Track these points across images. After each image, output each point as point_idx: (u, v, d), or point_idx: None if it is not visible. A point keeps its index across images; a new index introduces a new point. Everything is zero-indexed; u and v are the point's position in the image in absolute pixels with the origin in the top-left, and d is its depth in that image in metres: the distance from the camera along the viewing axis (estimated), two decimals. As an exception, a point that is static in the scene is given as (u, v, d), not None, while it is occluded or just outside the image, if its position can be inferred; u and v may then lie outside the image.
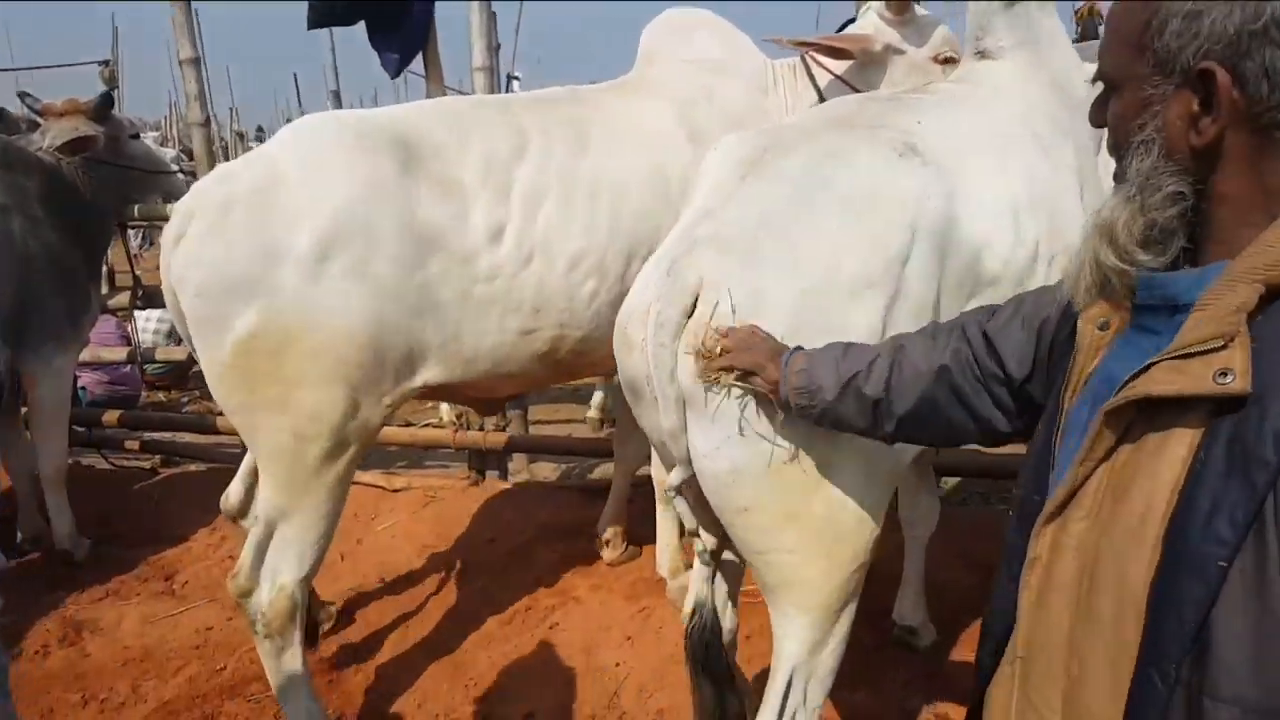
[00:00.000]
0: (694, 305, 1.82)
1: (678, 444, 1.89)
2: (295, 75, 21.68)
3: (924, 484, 3.17)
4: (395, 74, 4.16)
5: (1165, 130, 1.05)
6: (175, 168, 6.20)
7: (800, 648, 1.94)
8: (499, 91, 4.87)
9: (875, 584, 3.28)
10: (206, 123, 5.00)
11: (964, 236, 2.03)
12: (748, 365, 1.72)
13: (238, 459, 5.00)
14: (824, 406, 1.63)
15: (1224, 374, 0.94)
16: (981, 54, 2.63)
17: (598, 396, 6.31)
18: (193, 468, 5.23)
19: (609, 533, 3.74)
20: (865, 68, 3.13)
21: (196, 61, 4.84)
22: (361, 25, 4.14)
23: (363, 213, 2.45)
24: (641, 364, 1.91)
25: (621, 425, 3.32)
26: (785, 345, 1.72)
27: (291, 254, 2.39)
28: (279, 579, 2.60)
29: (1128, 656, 1.00)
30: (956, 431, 1.55)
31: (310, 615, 3.24)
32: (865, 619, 3.24)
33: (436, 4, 4.12)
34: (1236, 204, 1.04)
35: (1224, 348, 0.96)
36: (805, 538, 1.88)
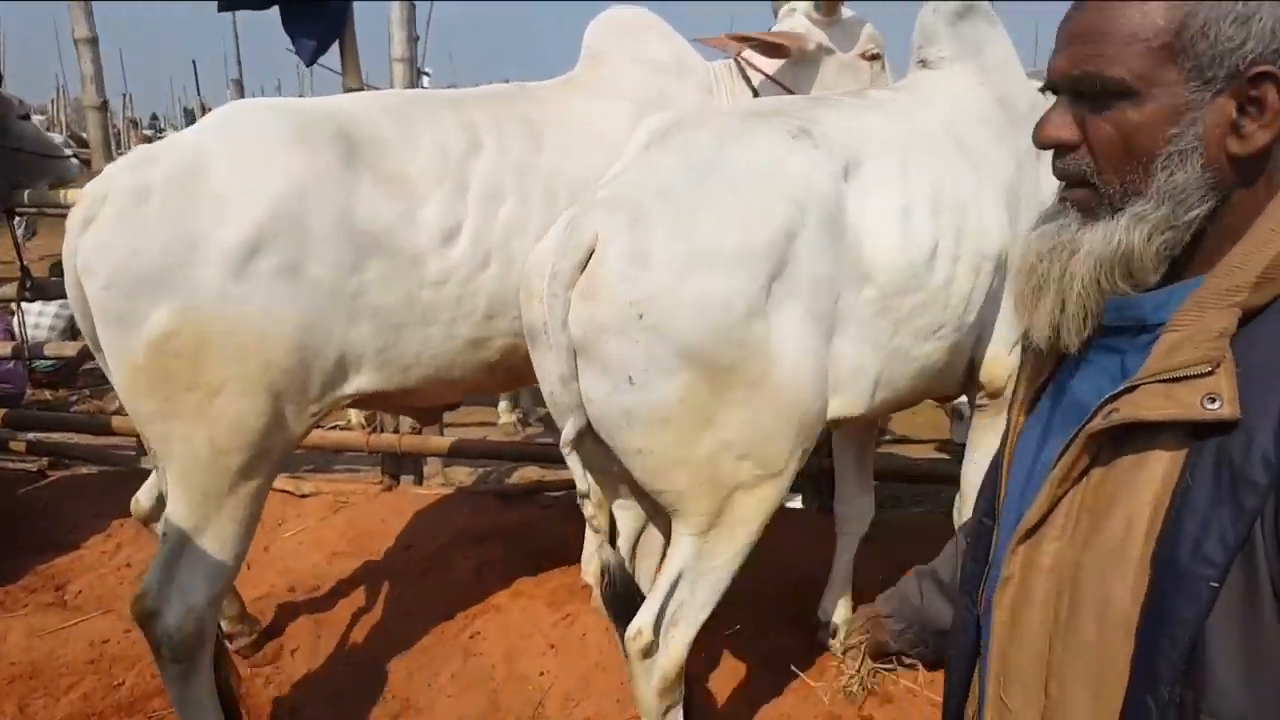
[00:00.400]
0: (587, 259, 1.98)
1: (569, 390, 2.05)
2: (194, 62, 20.89)
3: (861, 482, 3.21)
4: (310, 61, 4.00)
5: (1208, 139, 0.99)
6: (68, 152, 5.90)
7: (690, 555, 2.17)
8: (417, 85, 4.73)
9: (804, 596, 3.33)
10: (103, 106, 4.75)
11: (853, 222, 2.19)
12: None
13: (132, 461, 4.81)
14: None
15: (1212, 399, 0.94)
16: (924, 63, 2.75)
17: (503, 403, 6.24)
18: (85, 470, 4.95)
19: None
20: (798, 67, 3.15)
21: (94, 41, 4.59)
22: (273, 10, 3.99)
23: (298, 208, 2.29)
24: (540, 313, 2.06)
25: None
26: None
27: (215, 249, 2.22)
28: (189, 600, 2.40)
29: (1115, 677, 1.00)
30: None
31: (229, 627, 3.12)
32: (796, 627, 3.27)
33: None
34: (1245, 216, 1.02)
35: (1210, 373, 0.96)
36: (691, 478, 2.08)
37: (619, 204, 2.04)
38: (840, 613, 3.18)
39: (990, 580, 1.20)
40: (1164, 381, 0.98)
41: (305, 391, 2.40)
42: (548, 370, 2.09)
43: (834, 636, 3.17)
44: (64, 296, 5.33)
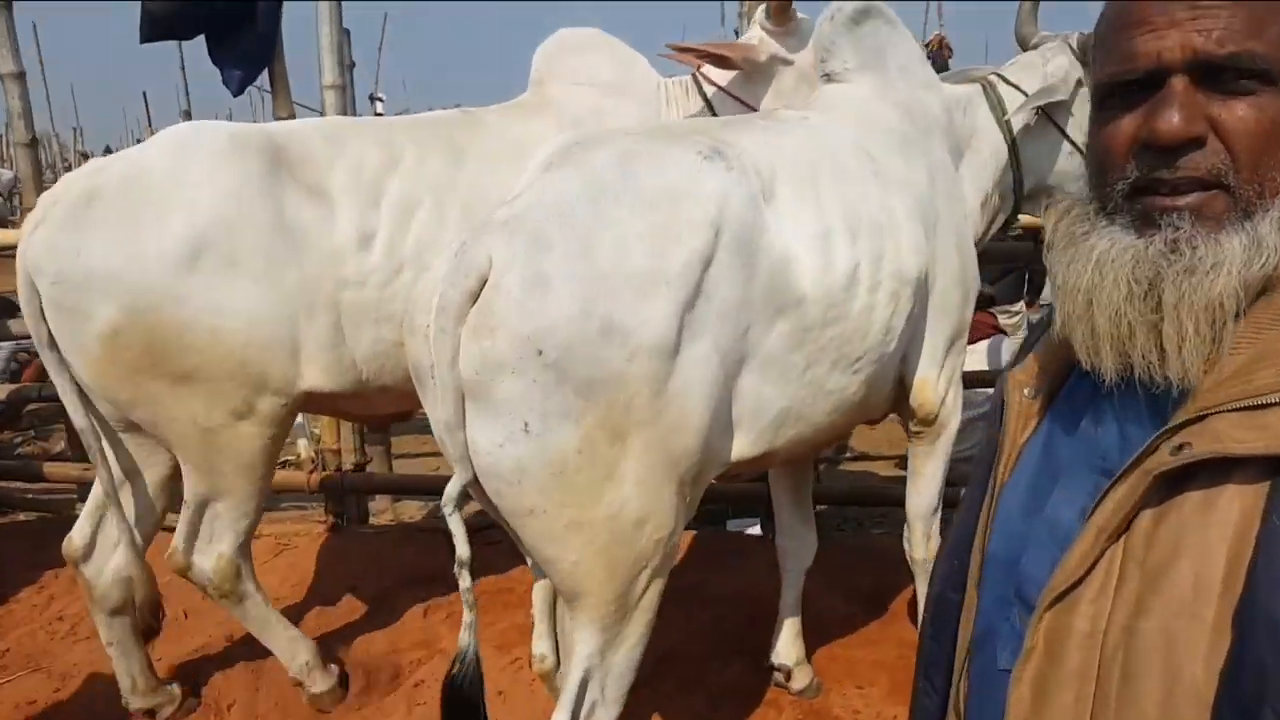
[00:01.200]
0: (479, 289, 1.75)
1: (455, 439, 1.80)
2: (145, 94, 20.64)
3: (800, 514, 3.09)
4: (238, 91, 3.89)
5: None
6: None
7: (591, 649, 1.95)
8: (352, 112, 4.63)
9: (761, 627, 3.25)
10: (33, 143, 4.62)
11: (769, 246, 2.02)
12: None
13: (69, 506, 4.64)
14: None
15: None
16: (828, 77, 2.64)
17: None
18: (21, 517, 4.78)
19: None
20: (751, 79, 3.07)
21: (21, 76, 4.45)
22: (203, 40, 3.88)
23: (234, 208, 2.45)
24: (425, 350, 1.82)
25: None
26: None
27: (159, 249, 2.37)
28: (218, 548, 2.72)
29: None
30: None
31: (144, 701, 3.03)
32: (748, 660, 3.18)
33: (284, 20, 3.90)
34: None
35: None
36: (587, 545, 1.86)
37: (516, 227, 1.80)
38: (793, 654, 3.07)
39: (979, 657, 1.06)
40: (1246, 409, 0.85)
41: (266, 380, 2.55)
42: (433, 415, 1.86)
43: (788, 679, 3.06)
44: (7, 337, 5.22)
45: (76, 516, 4.39)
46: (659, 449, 1.84)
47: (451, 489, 1.84)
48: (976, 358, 4.82)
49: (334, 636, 3.45)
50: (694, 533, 4.31)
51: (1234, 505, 0.84)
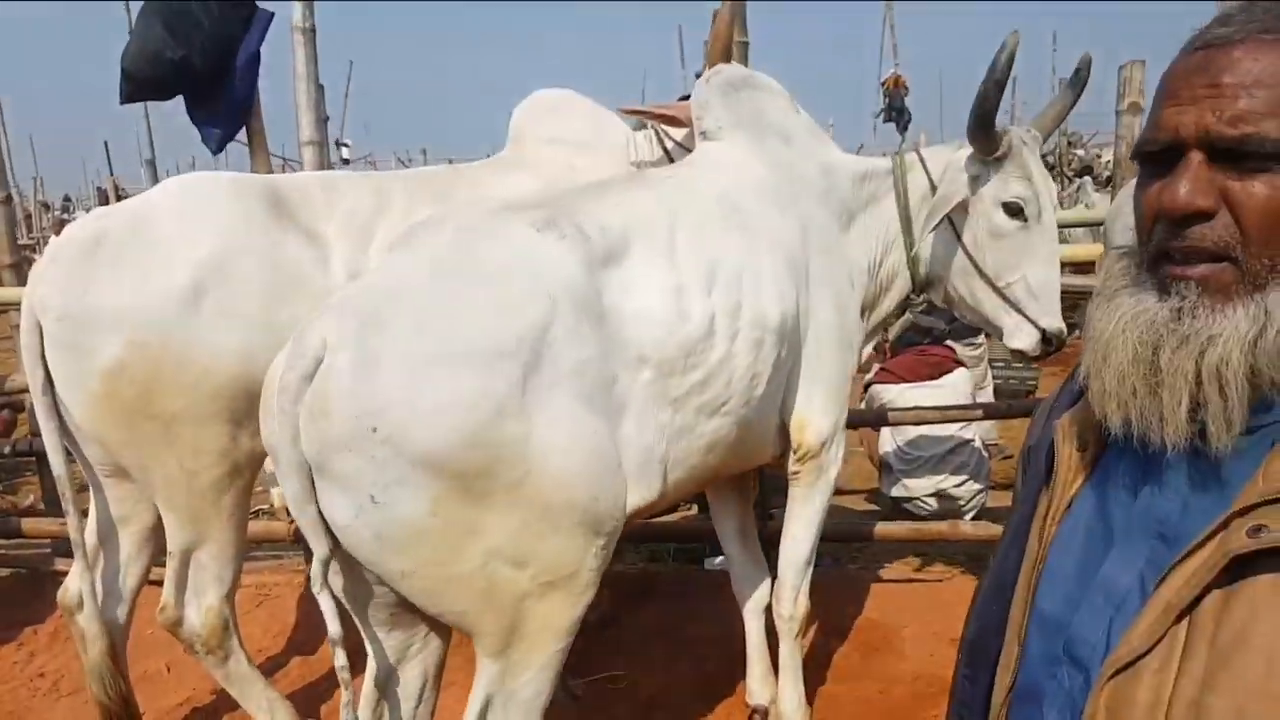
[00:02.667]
0: (315, 370, 1.79)
1: (305, 513, 1.83)
2: (106, 143, 20.59)
3: (750, 557, 3.16)
4: (217, 150, 3.97)
5: None
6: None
7: (491, 679, 2.00)
8: (329, 165, 4.71)
9: (744, 667, 3.30)
10: (7, 200, 4.64)
11: (616, 303, 2.10)
12: None
13: (44, 560, 4.61)
14: None
15: None
16: (704, 134, 2.75)
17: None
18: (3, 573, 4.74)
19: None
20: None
21: (-8, 135, 4.50)
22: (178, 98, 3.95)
23: (234, 250, 2.51)
24: (273, 430, 1.86)
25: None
26: None
27: (163, 286, 2.44)
28: (204, 600, 2.73)
29: None
30: None
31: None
32: (734, 702, 3.24)
33: (260, 77, 3.98)
34: None
35: None
36: (469, 593, 1.90)
37: (349, 309, 1.85)
38: (766, 693, 3.13)
39: (1021, 709, 1.06)
40: None
41: (249, 423, 2.51)
42: (286, 491, 1.87)
43: (765, 719, 3.12)
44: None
45: (53, 571, 4.44)
46: (535, 504, 1.87)
47: (315, 568, 1.86)
48: (941, 392, 4.93)
49: (315, 687, 3.47)
50: (674, 572, 4.39)
51: None
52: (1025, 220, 2.65)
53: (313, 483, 1.82)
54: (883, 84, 17.06)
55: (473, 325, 1.87)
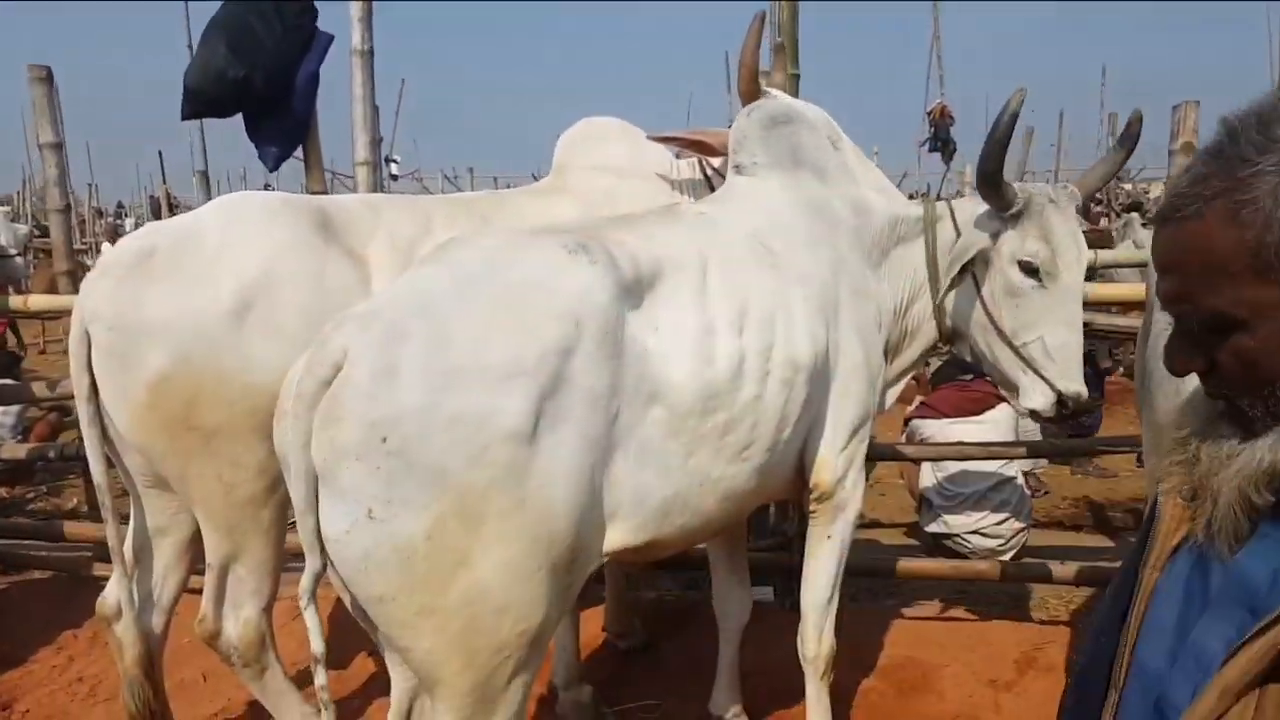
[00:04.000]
0: (333, 378, 1.80)
1: (305, 524, 1.83)
2: (160, 153, 20.96)
3: (735, 577, 3.17)
4: (273, 167, 4.05)
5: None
6: (12, 252, 5.90)
7: None
8: (381, 184, 4.78)
9: (777, 699, 3.27)
10: (66, 209, 4.77)
11: (637, 337, 2.08)
12: None
13: (85, 564, 4.67)
14: None
15: None
16: (738, 169, 2.75)
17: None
18: (37, 575, 4.81)
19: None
20: None
21: (58, 146, 4.62)
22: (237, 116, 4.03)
23: (280, 269, 2.54)
24: (285, 435, 1.87)
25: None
26: None
27: (211, 301, 2.47)
28: (242, 613, 2.76)
29: None
30: None
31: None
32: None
33: (318, 99, 4.05)
34: None
35: None
36: (440, 632, 1.85)
37: (373, 318, 1.86)
38: (731, 708, 3.15)
39: None
40: None
41: None
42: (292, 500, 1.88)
43: None
44: (15, 400, 5.31)
45: (93, 576, 4.50)
46: (524, 536, 1.85)
47: (305, 582, 1.85)
48: (983, 428, 4.88)
49: (349, 702, 3.48)
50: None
51: None
52: (1040, 280, 2.60)
53: (317, 493, 1.83)
54: (929, 114, 16.95)
55: (495, 341, 1.87)
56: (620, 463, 2.05)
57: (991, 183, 2.55)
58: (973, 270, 2.69)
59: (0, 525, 5.21)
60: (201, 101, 3.82)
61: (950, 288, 2.73)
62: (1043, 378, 2.65)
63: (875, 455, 4.80)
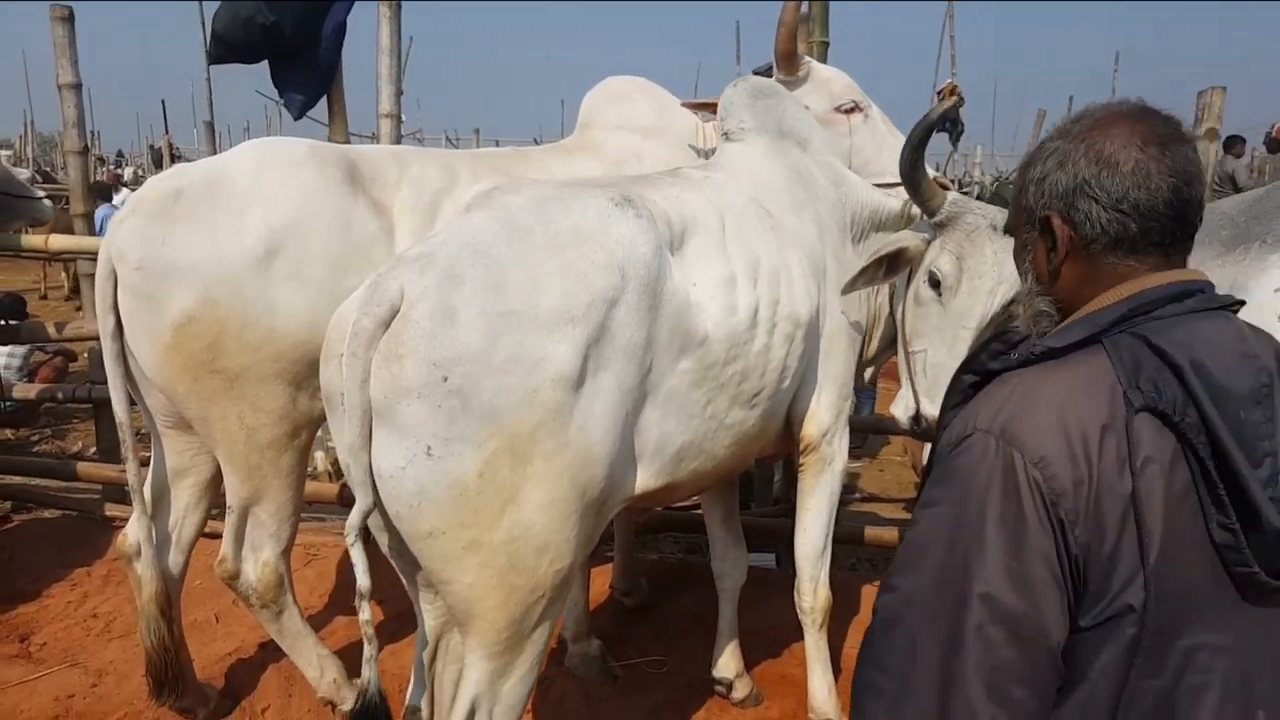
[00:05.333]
0: (391, 318, 1.84)
1: (359, 462, 1.86)
2: (163, 103, 20.81)
3: (731, 537, 3.26)
4: (299, 115, 4.05)
5: (1035, 261, 1.34)
6: (40, 193, 5.87)
7: (481, 676, 2.00)
8: (402, 137, 4.78)
9: (782, 657, 3.33)
10: (84, 151, 4.73)
11: (675, 291, 2.15)
12: None
13: (94, 505, 4.72)
14: None
15: None
16: (727, 135, 2.86)
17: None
18: (48, 515, 4.85)
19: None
20: None
21: (78, 88, 4.59)
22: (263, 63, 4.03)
23: (308, 216, 2.55)
24: (338, 375, 1.89)
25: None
26: None
27: (238, 245, 2.47)
28: (261, 555, 2.81)
29: None
30: None
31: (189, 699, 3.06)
32: (774, 688, 3.27)
33: (343, 49, 4.05)
34: (1078, 305, 1.29)
35: None
36: (484, 567, 1.91)
37: (429, 261, 1.90)
38: (732, 667, 3.23)
39: None
40: None
41: (309, 386, 2.60)
42: (340, 439, 1.92)
43: (729, 691, 3.22)
44: (31, 340, 5.33)
45: (105, 516, 4.55)
46: (565, 478, 1.92)
47: (354, 518, 1.89)
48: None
49: (360, 646, 3.52)
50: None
51: None
52: (939, 295, 2.61)
53: (370, 431, 1.86)
54: (939, 93, 16.84)
55: (546, 288, 1.92)
56: (649, 412, 2.13)
57: (910, 183, 2.58)
58: (913, 268, 2.72)
59: (14, 463, 5.23)
60: (230, 47, 3.82)
61: (897, 280, 2.78)
62: (913, 388, 2.69)
63: (880, 429, 4.85)
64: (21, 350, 7.10)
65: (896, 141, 2.89)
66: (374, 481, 1.88)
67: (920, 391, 2.66)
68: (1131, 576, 1.09)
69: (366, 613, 1.98)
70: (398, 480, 1.85)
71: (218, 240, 2.48)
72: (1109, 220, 1.23)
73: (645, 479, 2.19)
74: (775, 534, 4.22)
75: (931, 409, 2.61)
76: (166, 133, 20.83)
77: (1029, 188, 1.30)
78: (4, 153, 14.87)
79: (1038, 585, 1.08)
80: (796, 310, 2.43)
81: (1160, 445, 1.10)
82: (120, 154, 29.36)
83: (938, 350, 2.63)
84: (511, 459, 1.86)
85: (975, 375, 1.31)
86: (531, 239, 1.99)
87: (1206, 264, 2.25)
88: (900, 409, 2.72)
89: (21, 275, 13.49)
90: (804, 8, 4.01)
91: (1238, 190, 10.25)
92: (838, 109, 3.28)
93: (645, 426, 2.14)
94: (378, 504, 1.90)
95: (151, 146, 24.46)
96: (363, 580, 1.95)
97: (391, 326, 1.84)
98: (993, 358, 1.30)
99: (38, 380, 6.83)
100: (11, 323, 5.78)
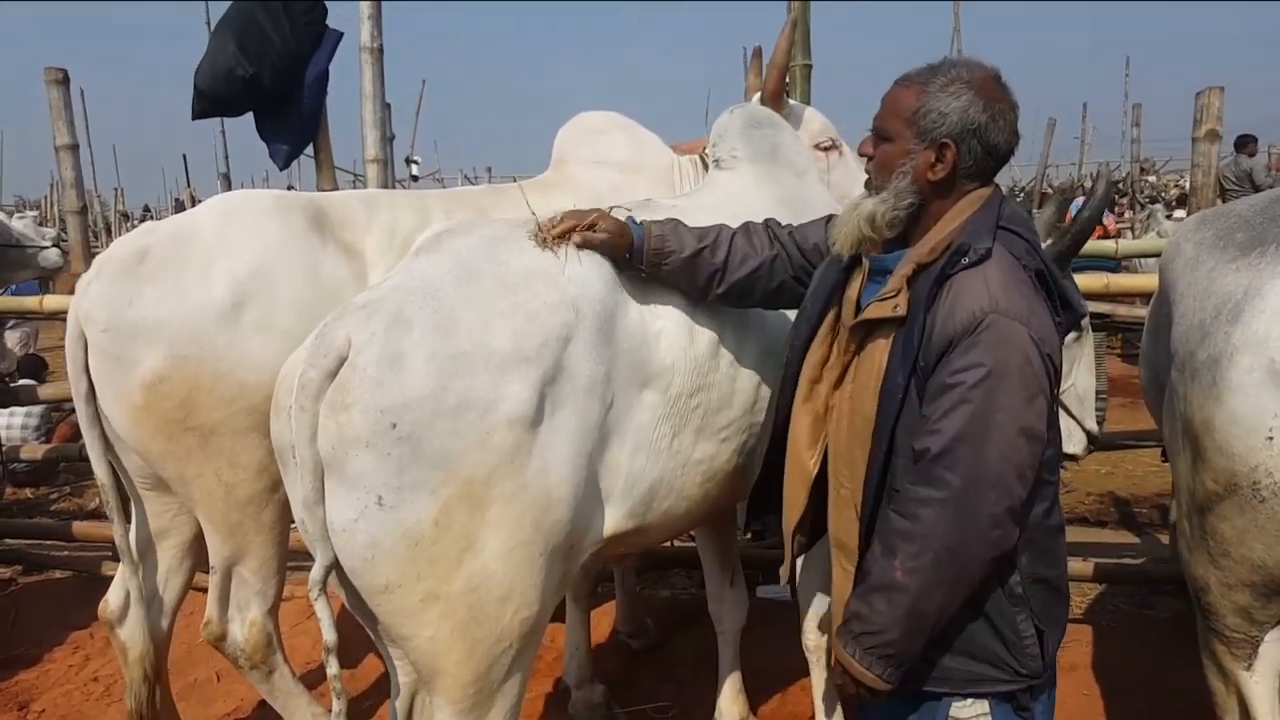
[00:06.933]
0: (338, 368, 1.80)
1: (313, 516, 1.83)
2: (185, 156, 21.19)
3: (727, 576, 3.12)
4: (284, 165, 4.05)
5: (916, 169, 1.73)
6: (45, 241, 5.93)
7: None
8: (394, 182, 4.78)
9: (795, 696, 3.23)
10: (83, 211, 4.78)
11: (632, 324, 2.12)
12: (606, 229, 2.10)
13: (99, 564, 4.70)
14: (677, 264, 2.13)
15: (896, 307, 1.71)
16: (718, 162, 2.79)
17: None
18: (56, 575, 4.83)
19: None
20: None
21: (74, 148, 4.63)
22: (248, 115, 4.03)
23: (274, 266, 2.52)
24: (287, 429, 1.85)
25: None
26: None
27: (204, 300, 2.45)
28: (247, 615, 2.73)
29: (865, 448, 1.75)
30: (770, 299, 2.22)
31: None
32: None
33: (329, 95, 4.05)
34: (935, 217, 1.76)
35: (897, 294, 1.72)
36: (444, 620, 1.85)
37: (377, 307, 1.87)
38: (735, 711, 3.10)
39: None
40: (880, 300, 1.76)
41: None
42: (294, 494, 1.88)
43: None
44: (34, 402, 5.35)
45: (107, 575, 4.52)
46: (526, 522, 1.87)
47: (315, 574, 1.85)
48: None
49: (360, 702, 3.47)
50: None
51: (885, 340, 1.76)
52: (1079, 336, 2.66)
53: (322, 484, 1.82)
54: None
55: (498, 329, 1.89)
56: (616, 448, 2.07)
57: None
58: None
59: (14, 526, 5.24)
60: (210, 100, 3.82)
61: None
62: (1074, 420, 2.75)
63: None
64: (39, 409, 7.16)
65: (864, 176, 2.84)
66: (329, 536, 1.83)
67: (1081, 418, 2.75)
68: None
69: (334, 667, 1.96)
70: (350, 533, 1.80)
71: (184, 296, 2.45)
72: (982, 157, 1.72)
73: (616, 520, 2.12)
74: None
75: (1094, 426, 2.81)
76: (189, 185, 21.17)
77: (929, 113, 1.69)
78: (31, 213, 15.11)
79: (1043, 409, 1.60)
80: (768, 341, 2.35)
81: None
82: (147, 209, 29.84)
83: (1085, 379, 2.77)
84: (468, 505, 1.81)
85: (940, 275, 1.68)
86: (481, 280, 1.96)
87: (1222, 268, 2.18)
88: (1073, 445, 2.73)
89: (48, 335, 13.63)
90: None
91: (1256, 188, 10.13)
92: (817, 146, 3.24)
93: (612, 464, 2.07)
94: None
95: (176, 200, 24.87)
96: (328, 635, 1.92)
97: (338, 376, 1.80)
98: (951, 265, 1.67)
99: (55, 438, 6.87)
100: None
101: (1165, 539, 4.78)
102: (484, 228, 2.16)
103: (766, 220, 2.24)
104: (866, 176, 1.83)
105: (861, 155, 1.85)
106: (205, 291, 2.46)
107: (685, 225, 2.17)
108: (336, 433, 1.78)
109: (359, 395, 1.77)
